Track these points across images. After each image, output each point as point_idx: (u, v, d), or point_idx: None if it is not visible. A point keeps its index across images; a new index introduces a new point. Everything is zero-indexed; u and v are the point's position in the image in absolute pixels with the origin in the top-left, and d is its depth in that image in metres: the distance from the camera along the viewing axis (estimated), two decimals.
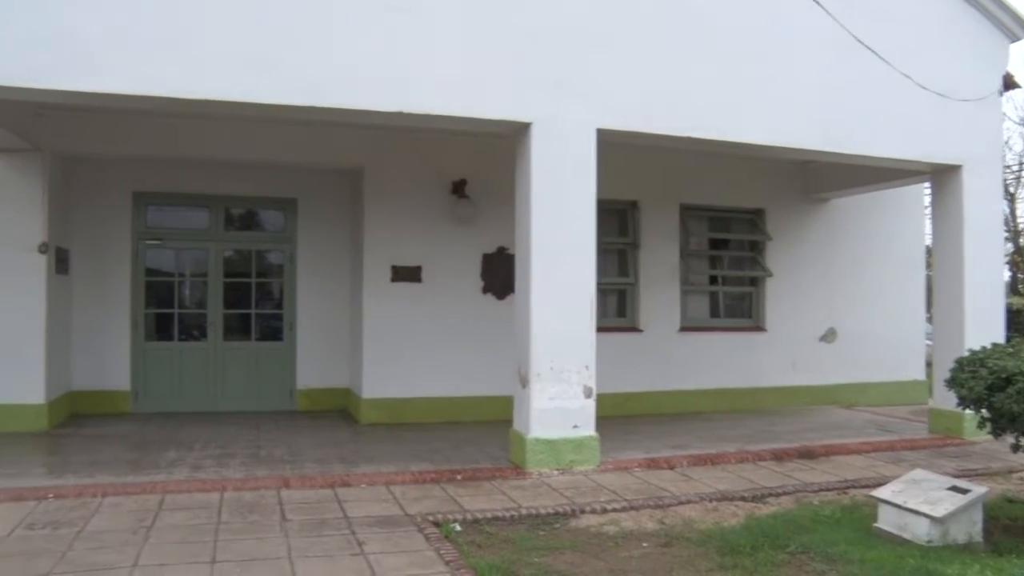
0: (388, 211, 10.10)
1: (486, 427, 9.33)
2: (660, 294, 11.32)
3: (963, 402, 6.06)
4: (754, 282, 12.12)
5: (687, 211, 11.62)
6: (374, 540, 5.49)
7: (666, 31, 8.00)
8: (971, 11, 9.30)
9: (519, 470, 7.48)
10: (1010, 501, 6.63)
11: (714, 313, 12.11)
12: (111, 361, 10.54)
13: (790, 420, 10.60)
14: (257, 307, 11.25)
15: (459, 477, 7.25)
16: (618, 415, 9.82)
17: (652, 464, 7.84)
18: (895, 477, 6.42)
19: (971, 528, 5.59)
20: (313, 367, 11.11)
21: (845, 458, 8.33)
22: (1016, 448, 5.99)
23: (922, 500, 5.63)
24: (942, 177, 9.57)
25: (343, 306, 11.10)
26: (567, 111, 7.58)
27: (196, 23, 6.68)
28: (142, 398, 10.66)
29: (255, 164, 10.38)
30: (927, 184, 10.96)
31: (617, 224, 11.29)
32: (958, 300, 9.35)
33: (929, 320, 12.27)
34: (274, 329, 11.26)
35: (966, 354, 6.36)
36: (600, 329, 7.82)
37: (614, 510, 6.36)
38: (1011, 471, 7.81)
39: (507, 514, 6.17)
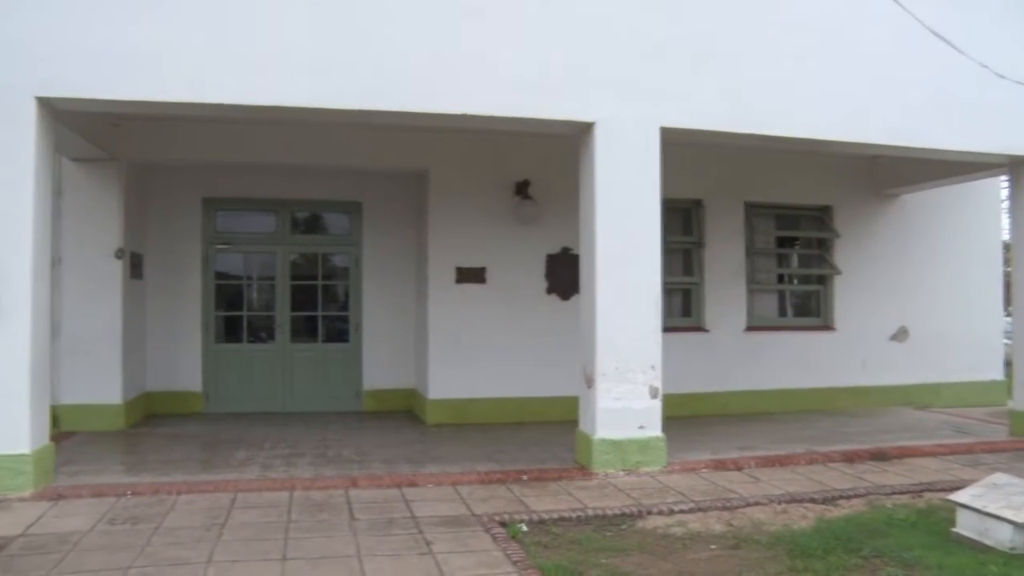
0: (452, 213, 10.16)
1: (551, 428, 9.31)
2: (726, 293, 11.18)
3: None
4: (822, 280, 11.88)
5: (752, 209, 11.45)
6: (441, 540, 5.51)
7: (728, 27, 7.88)
8: None
9: (585, 471, 7.45)
10: None
11: (781, 312, 11.92)
12: (183, 363, 10.82)
13: (861, 421, 10.36)
14: (323, 309, 11.43)
15: (525, 477, 7.25)
16: (683, 415, 9.69)
17: (719, 465, 7.74)
18: (973, 481, 6.21)
19: None
20: (379, 368, 11.23)
21: (919, 460, 8.10)
22: None
23: (1004, 505, 5.41)
24: (1020, 169, 9.25)
25: (408, 307, 11.19)
26: (630, 110, 7.53)
27: (259, 30, 6.86)
28: (213, 399, 10.91)
29: (321, 168, 10.55)
30: (1005, 177, 10.59)
31: (681, 223, 11.19)
32: None
33: (1008, 318, 11.86)
34: (340, 331, 11.41)
35: None
36: (665, 329, 7.75)
37: (681, 511, 6.29)
38: None
39: (573, 515, 6.14)
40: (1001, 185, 12.29)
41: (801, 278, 12.05)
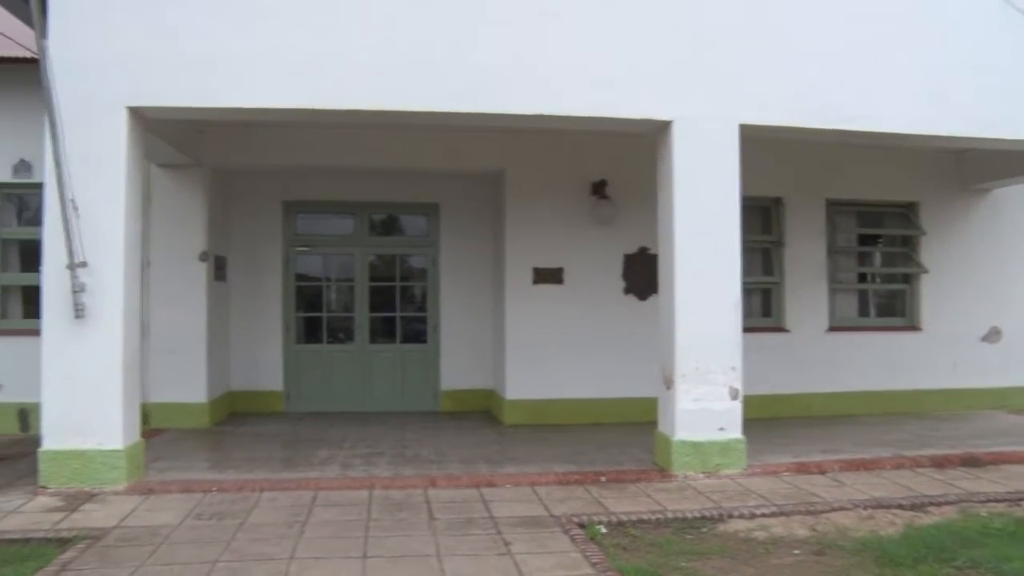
0: (529, 213, 10.17)
1: (629, 429, 9.24)
2: (806, 293, 10.93)
3: None
4: (907, 279, 11.52)
5: (834, 206, 11.18)
6: (520, 540, 5.51)
7: (807, 21, 7.68)
8: None
9: (664, 472, 7.37)
10: None
11: (864, 312, 11.60)
12: (265, 363, 11.07)
13: (951, 425, 10.00)
14: (401, 310, 11.55)
15: (603, 479, 7.21)
16: (764, 417, 9.52)
17: (802, 468, 7.56)
18: None
19: None
20: (457, 368, 11.30)
21: (1016, 467, 7.75)
22: None
23: None
24: None
25: (486, 308, 11.24)
26: (708, 108, 7.42)
27: (340, 35, 6.97)
28: (294, 398, 11.12)
29: (398, 171, 10.65)
30: None
31: (760, 222, 10.99)
32: None
33: None
34: (418, 332, 11.51)
35: None
36: (744, 329, 7.60)
37: (763, 515, 6.17)
38: None
39: (652, 517, 6.08)
40: None
41: (885, 277, 11.72)
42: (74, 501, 6.40)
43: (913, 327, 11.34)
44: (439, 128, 9.20)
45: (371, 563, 5.06)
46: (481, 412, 11.08)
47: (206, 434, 9.43)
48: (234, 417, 10.57)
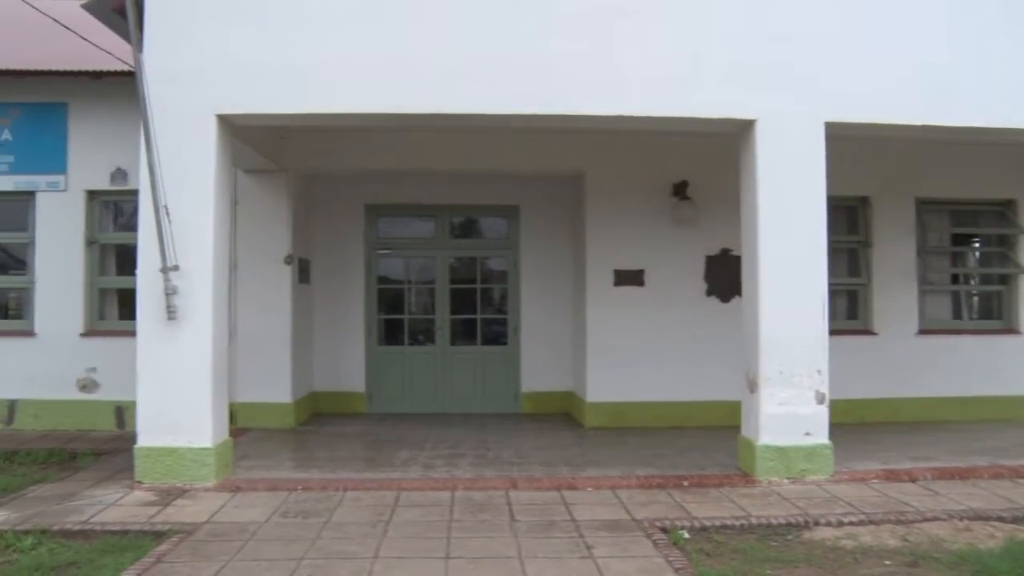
0: (609, 215, 10.12)
1: (711, 432, 9.12)
2: (895, 295, 10.59)
3: None
4: (1005, 280, 11.06)
5: (924, 205, 10.79)
6: (602, 544, 5.48)
7: (892, 12, 7.43)
8: None
9: (748, 478, 7.24)
10: None
11: (957, 315, 11.18)
12: (348, 364, 11.25)
13: None
14: (482, 312, 11.61)
15: (686, 483, 7.12)
16: (849, 422, 9.27)
17: (891, 476, 7.33)
18: None
19: None
20: (537, 370, 11.31)
21: None
22: None
23: None
24: None
25: (566, 310, 11.21)
26: (792, 106, 7.26)
27: (418, 40, 7.07)
28: (376, 399, 11.27)
29: (478, 174, 10.73)
30: None
31: (846, 221, 10.69)
32: None
33: None
34: (498, 334, 11.56)
35: None
36: (830, 332, 7.39)
37: (851, 523, 5.99)
38: None
39: (736, 523, 5.98)
40: None
41: (980, 278, 11.31)
42: (167, 496, 6.62)
43: (1011, 330, 10.87)
44: (519, 131, 9.24)
45: (453, 564, 5.09)
46: (561, 414, 11.05)
47: (290, 433, 9.62)
48: (317, 417, 10.77)
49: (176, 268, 6.79)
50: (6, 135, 10.02)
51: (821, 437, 7.27)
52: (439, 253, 11.54)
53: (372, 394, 11.29)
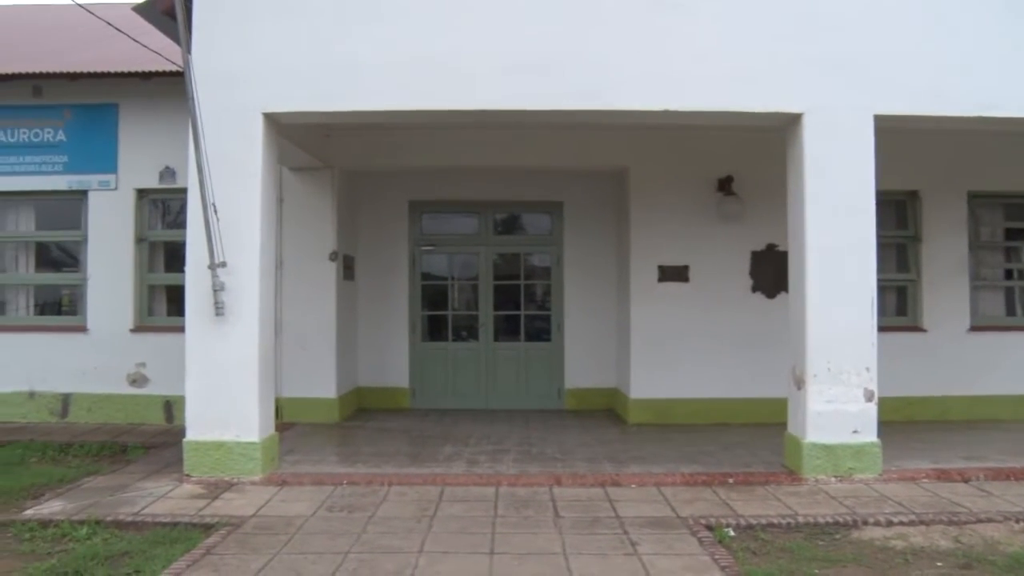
0: (653, 211, 10.05)
1: (756, 430, 9.04)
2: (946, 291, 10.37)
3: None
4: None
5: (976, 199, 10.55)
6: (647, 541, 5.45)
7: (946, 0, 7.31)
8: None
9: (794, 476, 7.15)
10: None
11: (1010, 311, 10.91)
12: (391, 360, 11.33)
13: None
14: (525, 309, 11.61)
15: (731, 480, 7.06)
16: (898, 420, 9.13)
17: (942, 475, 7.18)
18: None
19: None
20: (580, 367, 11.28)
21: None
22: None
23: None
24: None
25: (609, 306, 11.17)
26: (841, 98, 7.14)
27: (463, 37, 7.09)
28: (419, 395, 11.33)
29: (522, 170, 10.72)
30: None
31: (895, 216, 10.50)
32: None
33: None
34: (541, 330, 11.55)
35: None
36: (879, 329, 7.27)
37: (901, 523, 5.89)
38: None
39: (783, 521, 5.91)
40: None
41: None
42: (215, 489, 6.72)
43: None
44: (562, 126, 9.21)
45: (498, 559, 5.10)
46: (604, 411, 11.02)
47: (335, 428, 9.71)
48: (361, 412, 10.85)
49: (224, 265, 6.88)
50: (60, 136, 10.26)
51: (869, 435, 7.15)
52: (482, 249, 11.56)
53: (416, 390, 11.35)
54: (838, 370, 7.09)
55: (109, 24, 8.81)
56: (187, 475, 7.00)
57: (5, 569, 5.02)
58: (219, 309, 6.91)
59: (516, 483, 6.98)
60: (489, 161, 10.21)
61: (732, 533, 5.66)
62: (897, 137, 7.88)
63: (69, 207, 10.48)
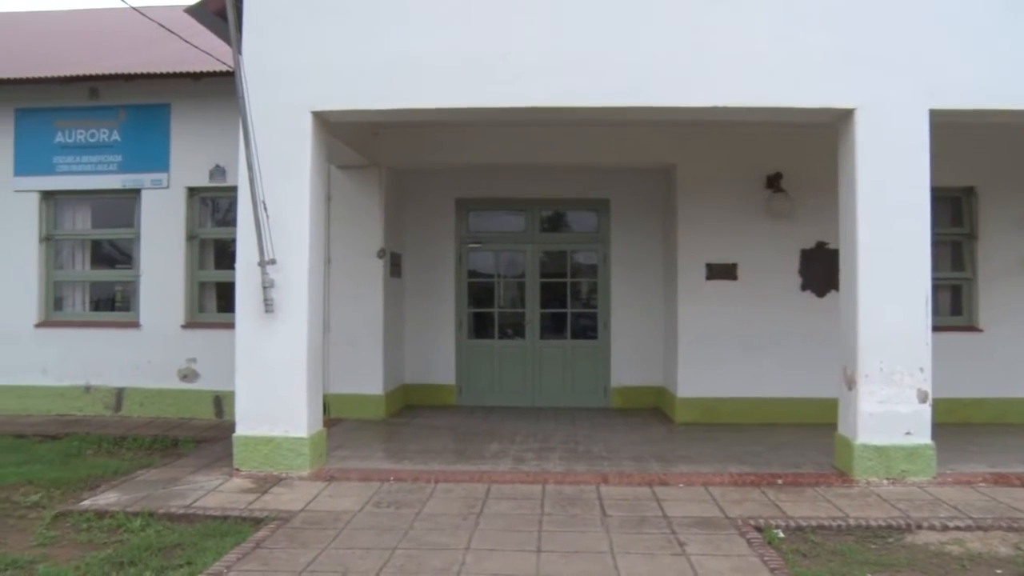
0: (701, 208, 9.98)
1: (805, 430, 8.91)
2: (1004, 289, 10.10)
3: None
4: None
5: None
6: (694, 541, 5.40)
7: None
8: None
9: (844, 477, 7.03)
10: None
11: None
12: (438, 357, 11.38)
13: None
14: (571, 307, 11.58)
15: (780, 481, 6.96)
16: (954, 422, 8.94)
17: (1000, 479, 7.00)
18: None
19: None
20: (627, 365, 11.23)
21: None
22: None
23: None
24: None
25: (656, 304, 11.10)
26: (894, 93, 6.99)
27: (509, 35, 7.09)
28: (466, 392, 11.36)
29: (569, 167, 10.70)
30: None
31: (949, 213, 10.26)
32: None
33: None
34: (588, 328, 11.52)
35: None
36: (932, 328, 7.10)
37: (956, 528, 5.74)
38: None
39: (833, 523, 5.81)
40: None
41: None
42: (264, 484, 6.80)
43: None
44: (609, 123, 9.18)
45: (545, 557, 5.08)
46: (651, 409, 10.95)
47: (382, 425, 9.77)
48: (408, 409, 10.91)
49: (273, 262, 6.95)
50: (115, 136, 10.48)
51: (923, 437, 7.00)
52: (529, 247, 11.56)
53: (462, 387, 11.38)
54: (891, 370, 6.95)
55: (161, 26, 8.97)
56: (237, 469, 7.09)
57: (66, 557, 5.15)
58: (268, 306, 6.98)
59: (563, 481, 6.96)
60: (536, 159, 10.21)
61: (781, 535, 5.58)
62: (953, 132, 7.72)
63: (123, 205, 10.70)
